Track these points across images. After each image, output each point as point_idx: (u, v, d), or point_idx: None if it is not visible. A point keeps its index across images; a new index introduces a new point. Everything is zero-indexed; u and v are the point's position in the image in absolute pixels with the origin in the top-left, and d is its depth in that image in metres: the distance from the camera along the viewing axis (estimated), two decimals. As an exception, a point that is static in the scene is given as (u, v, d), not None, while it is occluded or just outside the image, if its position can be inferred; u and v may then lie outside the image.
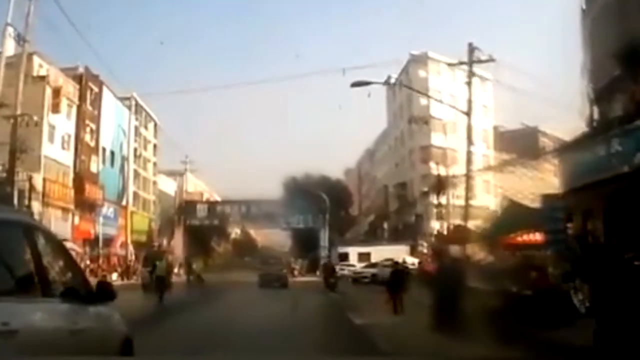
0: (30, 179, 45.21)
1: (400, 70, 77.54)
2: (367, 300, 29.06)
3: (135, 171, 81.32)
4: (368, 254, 59.42)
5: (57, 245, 6.19)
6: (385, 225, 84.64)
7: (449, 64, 27.60)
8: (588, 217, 20.72)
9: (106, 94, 67.32)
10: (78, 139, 59.99)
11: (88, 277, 7.15)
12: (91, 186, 61.72)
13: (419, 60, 74.96)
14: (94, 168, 64.08)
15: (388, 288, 22.77)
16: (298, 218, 78.49)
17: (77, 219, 58.64)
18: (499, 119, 79.26)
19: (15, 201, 37.47)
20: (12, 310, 4.49)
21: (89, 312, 5.96)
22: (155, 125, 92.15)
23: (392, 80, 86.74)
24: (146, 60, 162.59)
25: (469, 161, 28.40)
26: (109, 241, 65.44)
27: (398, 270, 24.17)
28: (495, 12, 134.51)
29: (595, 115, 22.65)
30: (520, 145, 63.52)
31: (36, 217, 38.80)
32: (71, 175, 58.73)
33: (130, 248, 65.64)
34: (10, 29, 32.11)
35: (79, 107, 60.22)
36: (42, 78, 52.58)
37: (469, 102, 27.09)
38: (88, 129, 62.92)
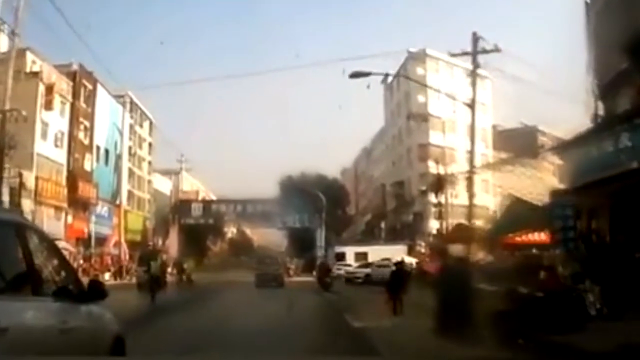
0: (20, 175, 44.58)
1: (398, 67, 77.26)
2: (364, 300, 28.52)
3: (130, 170, 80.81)
4: (365, 254, 58.84)
5: (49, 244, 6.30)
6: (383, 225, 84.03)
7: (452, 54, 26.63)
8: (593, 215, 20.01)
9: (100, 91, 66.58)
10: (72, 136, 59.26)
11: (80, 277, 7.29)
12: (85, 185, 61.01)
13: (417, 57, 74.20)
14: (87, 166, 63.35)
15: (388, 288, 22.13)
16: (294, 217, 77.91)
17: (70, 218, 57.98)
18: (498, 118, 78.91)
19: (5, 198, 36.92)
20: (2, 309, 4.55)
21: (80, 311, 6.05)
22: (151, 123, 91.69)
23: (390, 79, 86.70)
24: (144, 59, 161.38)
25: (472, 157, 27.50)
26: (102, 240, 64.75)
27: (399, 270, 23.43)
28: (498, 9, 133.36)
29: (600, 111, 22.02)
30: (519, 145, 63.14)
31: (28, 215, 38.46)
32: (64, 173, 57.95)
33: (124, 247, 64.79)
34: (3, 26, 31.60)
35: (72, 105, 59.44)
36: (35, 74, 51.84)
37: (473, 93, 26.24)
38: (82, 127, 62.19)
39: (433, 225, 62.15)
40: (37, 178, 50.76)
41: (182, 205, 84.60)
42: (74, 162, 59.68)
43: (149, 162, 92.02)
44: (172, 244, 77.37)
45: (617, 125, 17.12)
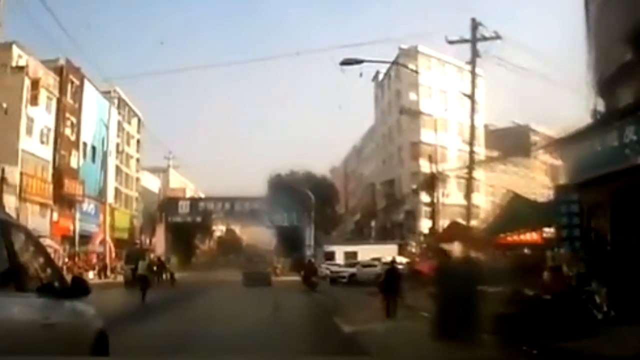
0: (2, 171, 43.84)
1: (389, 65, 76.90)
2: (353, 302, 27.80)
3: (118, 167, 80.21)
4: (355, 253, 58.32)
5: (33, 241, 6.46)
6: (373, 224, 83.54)
7: (450, 42, 25.65)
8: (593, 213, 19.28)
9: (88, 87, 65.71)
10: (58, 132, 58.54)
11: (65, 275, 7.45)
12: (71, 181, 60.31)
13: (409, 54, 73.35)
14: (74, 163, 62.69)
15: (381, 289, 21.36)
16: (282, 216, 77.29)
17: (55, 215, 57.15)
18: (491, 117, 78.37)
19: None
20: None
21: (64, 307, 6.23)
22: (139, 120, 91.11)
23: (381, 77, 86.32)
24: (132, 53, 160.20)
25: (471, 150, 26.65)
26: (89, 238, 64.14)
27: (392, 270, 22.54)
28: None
29: (600, 107, 21.35)
30: (511, 144, 62.78)
31: (12, 212, 37.91)
32: (50, 170, 57.14)
33: (110, 245, 63.87)
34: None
35: (59, 100, 58.67)
36: (21, 69, 51.17)
37: (472, 82, 25.36)
38: (68, 123, 61.47)
39: (424, 224, 61.53)
40: (22, 174, 50.16)
41: (169, 203, 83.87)
42: (60, 158, 58.97)
43: (137, 160, 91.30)
44: (159, 243, 76.64)
45: (621, 119, 16.42)
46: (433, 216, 44.33)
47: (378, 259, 45.87)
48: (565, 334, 11.39)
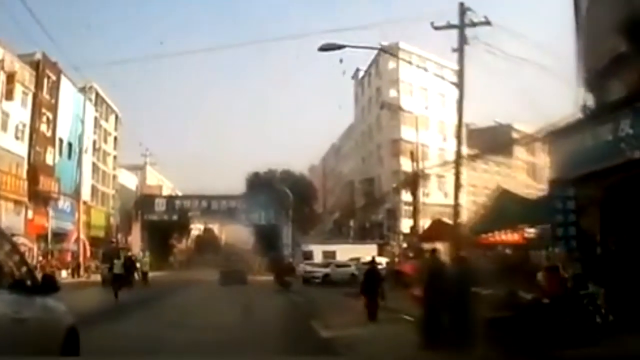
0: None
1: (369, 62, 77.02)
2: (329, 303, 27.17)
3: (95, 164, 79.18)
4: (334, 253, 57.74)
5: (6, 239, 6.96)
6: (352, 223, 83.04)
7: (436, 27, 24.75)
8: (583, 211, 18.66)
9: (64, 82, 64.62)
10: (33, 128, 57.40)
11: (37, 274, 7.71)
12: (46, 179, 59.20)
13: (390, 51, 73.14)
14: (49, 160, 61.59)
15: (362, 291, 20.41)
16: (260, 214, 76.22)
17: (30, 213, 56.07)
18: (471, 116, 78.13)
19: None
20: None
21: (35, 303, 6.55)
22: (117, 117, 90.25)
23: (361, 74, 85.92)
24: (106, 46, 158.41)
25: (459, 143, 25.96)
26: (64, 236, 63.00)
27: (372, 270, 21.71)
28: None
29: (589, 100, 20.86)
30: (493, 143, 62.63)
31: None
32: (25, 166, 56.11)
33: (85, 244, 62.85)
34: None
35: (35, 95, 57.52)
36: (-3, 62, 49.94)
37: (460, 71, 24.58)
38: (44, 119, 60.33)
39: (405, 223, 61.08)
40: (-5, 171, 48.96)
41: (145, 201, 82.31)
42: (36, 155, 57.83)
43: (115, 157, 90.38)
44: (135, 241, 75.40)
45: (615, 111, 15.89)
46: (414, 215, 43.76)
47: (357, 259, 45.43)
48: (566, 340, 10.75)
